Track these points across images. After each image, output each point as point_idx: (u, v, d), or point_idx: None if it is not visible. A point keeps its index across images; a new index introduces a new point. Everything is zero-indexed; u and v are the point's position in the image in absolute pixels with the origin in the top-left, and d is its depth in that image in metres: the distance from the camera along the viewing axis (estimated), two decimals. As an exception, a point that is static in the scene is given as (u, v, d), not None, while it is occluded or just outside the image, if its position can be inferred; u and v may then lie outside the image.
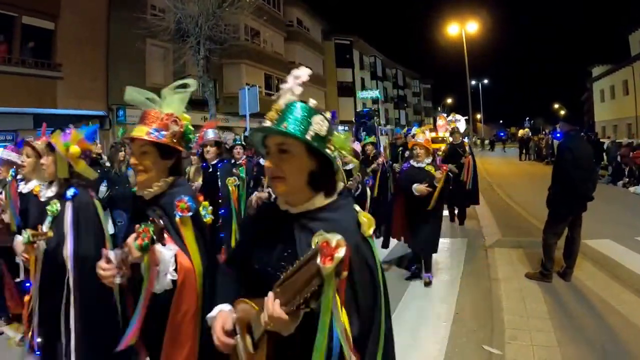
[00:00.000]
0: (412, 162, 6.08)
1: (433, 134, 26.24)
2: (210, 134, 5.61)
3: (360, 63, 44.13)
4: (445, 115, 22.46)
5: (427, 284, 5.95)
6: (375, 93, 27.82)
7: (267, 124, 1.57)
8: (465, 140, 10.11)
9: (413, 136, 8.74)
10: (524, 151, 31.35)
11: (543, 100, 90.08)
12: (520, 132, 34.21)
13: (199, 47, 15.64)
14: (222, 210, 5.52)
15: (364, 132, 9.32)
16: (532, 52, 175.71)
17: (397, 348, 4.12)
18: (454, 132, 10.08)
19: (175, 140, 2.23)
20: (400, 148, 11.12)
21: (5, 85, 13.57)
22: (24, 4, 14.15)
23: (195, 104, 21.34)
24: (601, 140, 20.71)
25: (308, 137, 1.51)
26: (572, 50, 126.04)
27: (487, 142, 51.92)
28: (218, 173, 5.60)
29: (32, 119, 14.88)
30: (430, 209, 5.76)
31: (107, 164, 7.55)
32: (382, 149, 10.31)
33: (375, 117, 9.68)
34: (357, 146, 6.24)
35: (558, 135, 19.23)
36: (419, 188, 5.62)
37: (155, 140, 2.15)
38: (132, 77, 17.82)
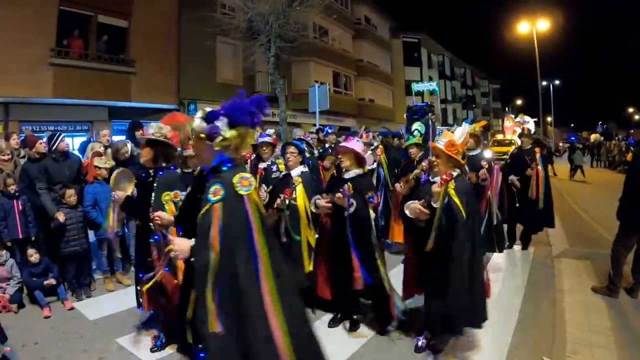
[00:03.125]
0: (430, 175, 4.22)
1: (500, 136, 25.51)
2: (149, 130, 4.20)
3: (428, 61, 43.43)
4: (513, 116, 21.69)
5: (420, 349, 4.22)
6: (432, 85, 26.38)
7: None
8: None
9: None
10: (595, 157, 29.93)
11: (617, 103, 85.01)
12: (593, 137, 32.55)
13: (269, 45, 15.96)
14: (156, 237, 3.89)
15: (416, 129, 8.05)
16: (607, 52, 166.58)
17: (456, 351, 4.12)
18: (522, 135, 8.21)
19: None
20: None
21: (82, 79, 14.56)
22: (99, 4, 15.15)
23: (264, 100, 21.84)
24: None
25: None
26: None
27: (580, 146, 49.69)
28: (155, 184, 4.11)
29: (107, 111, 15.83)
30: (443, 250, 3.71)
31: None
32: None
33: (430, 114, 8.52)
34: (359, 145, 4.68)
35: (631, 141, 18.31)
36: (410, 206, 3.87)
37: None
38: (203, 73, 18.57)
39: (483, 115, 60.75)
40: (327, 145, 9.42)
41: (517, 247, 7.95)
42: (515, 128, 18.19)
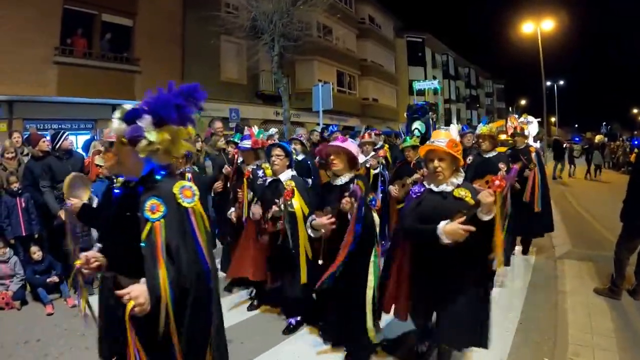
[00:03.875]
0: (426, 183, 3.46)
1: (503, 137, 25.33)
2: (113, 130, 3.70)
3: (432, 61, 43.35)
4: (516, 116, 21.58)
5: None
6: (434, 83, 25.46)
7: None
8: (535, 145, 8.02)
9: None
10: (599, 158, 29.75)
11: (621, 104, 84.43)
12: (597, 138, 32.38)
13: (273, 44, 15.95)
14: None
15: (416, 129, 7.43)
16: (613, 52, 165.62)
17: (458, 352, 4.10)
18: (516, 133, 7.53)
19: None
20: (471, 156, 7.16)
21: (86, 78, 14.59)
22: (103, 3, 15.23)
23: (267, 99, 21.86)
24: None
25: None
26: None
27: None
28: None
29: (111, 110, 15.80)
30: (468, 268, 3.24)
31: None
32: None
33: (431, 113, 8.09)
34: (353, 146, 4.02)
35: (636, 142, 18.28)
36: (449, 228, 2.98)
37: None
38: (207, 72, 18.59)
39: (487, 115, 60.60)
40: None
41: (518, 249, 7.85)
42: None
